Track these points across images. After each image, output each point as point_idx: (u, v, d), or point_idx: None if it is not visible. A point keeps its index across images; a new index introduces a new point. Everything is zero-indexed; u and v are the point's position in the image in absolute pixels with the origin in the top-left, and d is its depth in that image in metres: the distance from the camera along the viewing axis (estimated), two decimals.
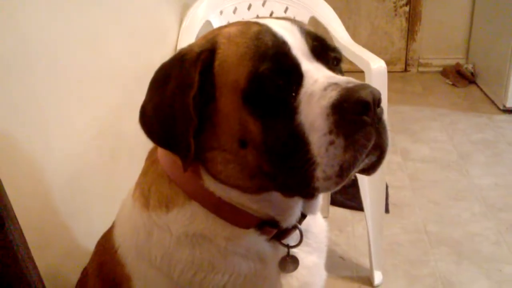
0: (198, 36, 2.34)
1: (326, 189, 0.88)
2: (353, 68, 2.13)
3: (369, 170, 0.94)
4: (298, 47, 0.95)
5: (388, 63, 2.12)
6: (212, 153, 0.99)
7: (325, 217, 2.71)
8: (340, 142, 0.83)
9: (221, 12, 2.47)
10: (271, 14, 2.52)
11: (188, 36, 2.34)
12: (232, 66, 0.94)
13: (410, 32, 5.13)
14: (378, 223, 2.29)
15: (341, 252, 2.56)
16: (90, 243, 1.36)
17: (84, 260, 1.36)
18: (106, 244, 1.19)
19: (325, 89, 0.87)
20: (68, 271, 1.45)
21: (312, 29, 1.03)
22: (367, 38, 5.16)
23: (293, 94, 0.90)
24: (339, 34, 2.40)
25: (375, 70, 2.04)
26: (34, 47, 1.30)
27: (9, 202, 0.76)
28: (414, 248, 2.59)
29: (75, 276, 1.39)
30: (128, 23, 1.88)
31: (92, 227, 1.43)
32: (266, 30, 0.96)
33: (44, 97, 1.35)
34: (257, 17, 2.49)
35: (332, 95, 0.85)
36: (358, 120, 0.84)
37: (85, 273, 1.34)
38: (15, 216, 0.78)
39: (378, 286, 2.32)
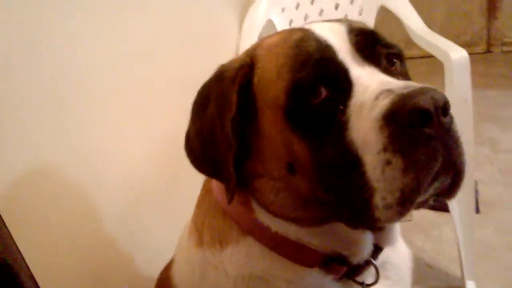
0: (260, 37, 2.26)
1: (388, 220, 0.75)
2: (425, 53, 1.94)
3: (445, 194, 0.79)
4: (346, 50, 0.83)
5: (468, 44, 1.95)
6: (260, 181, 0.91)
7: (408, 220, 2.53)
8: (397, 161, 0.70)
9: (282, 10, 2.39)
10: (336, 7, 2.39)
11: (250, 38, 2.29)
12: (271, 81, 0.85)
13: (491, 10, 4.89)
14: (468, 225, 2.10)
15: (427, 260, 2.38)
16: (153, 270, 1.31)
17: None
18: (165, 280, 1.15)
19: (376, 97, 0.74)
20: None
21: (365, 25, 0.91)
22: (444, 19, 4.96)
23: (341, 107, 0.78)
24: (412, 22, 2.22)
25: (455, 61, 1.85)
26: (84, 64, 1.26)
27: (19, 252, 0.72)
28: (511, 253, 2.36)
29: None
30: (183, 28, 1.82)
31: (153, 255, 1.38)
32: (308, 36, 0.85)
33: (94, 124, 1.31)
34: (321, 12, 2.39)
35: (384, 103, 0.72)
36: (417, 133, 0.70)
37: None
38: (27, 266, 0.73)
39: None
